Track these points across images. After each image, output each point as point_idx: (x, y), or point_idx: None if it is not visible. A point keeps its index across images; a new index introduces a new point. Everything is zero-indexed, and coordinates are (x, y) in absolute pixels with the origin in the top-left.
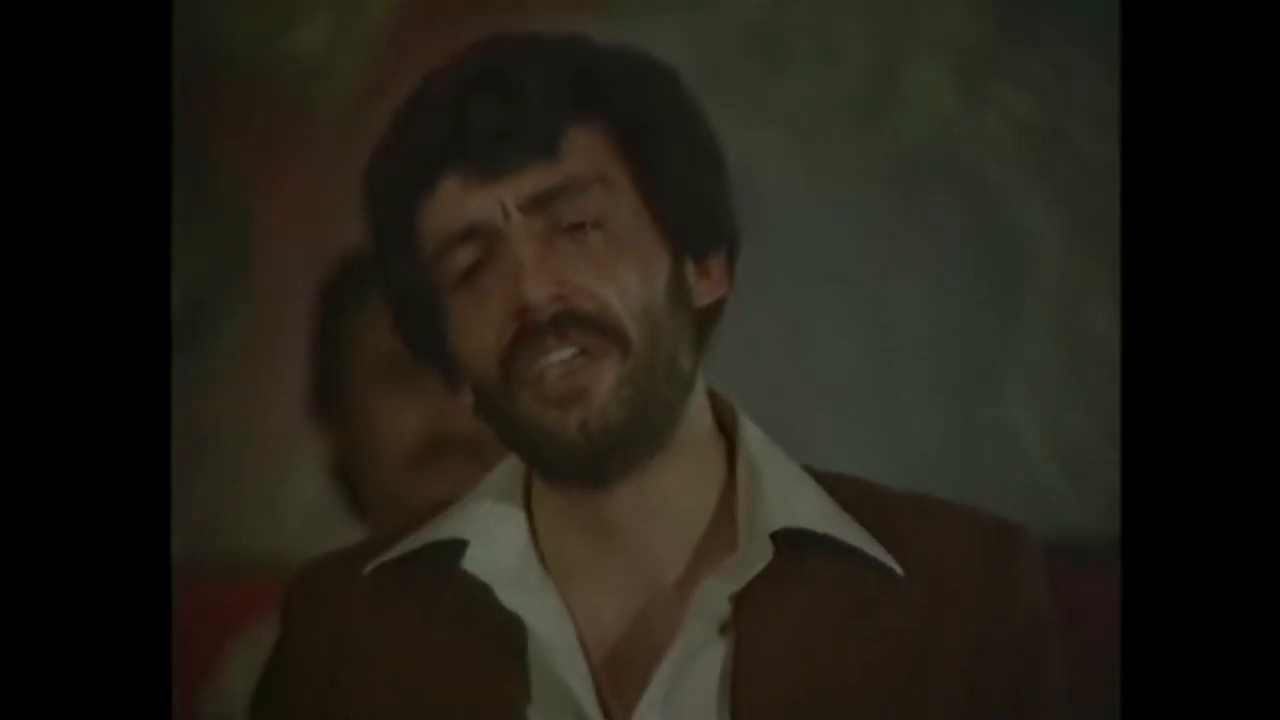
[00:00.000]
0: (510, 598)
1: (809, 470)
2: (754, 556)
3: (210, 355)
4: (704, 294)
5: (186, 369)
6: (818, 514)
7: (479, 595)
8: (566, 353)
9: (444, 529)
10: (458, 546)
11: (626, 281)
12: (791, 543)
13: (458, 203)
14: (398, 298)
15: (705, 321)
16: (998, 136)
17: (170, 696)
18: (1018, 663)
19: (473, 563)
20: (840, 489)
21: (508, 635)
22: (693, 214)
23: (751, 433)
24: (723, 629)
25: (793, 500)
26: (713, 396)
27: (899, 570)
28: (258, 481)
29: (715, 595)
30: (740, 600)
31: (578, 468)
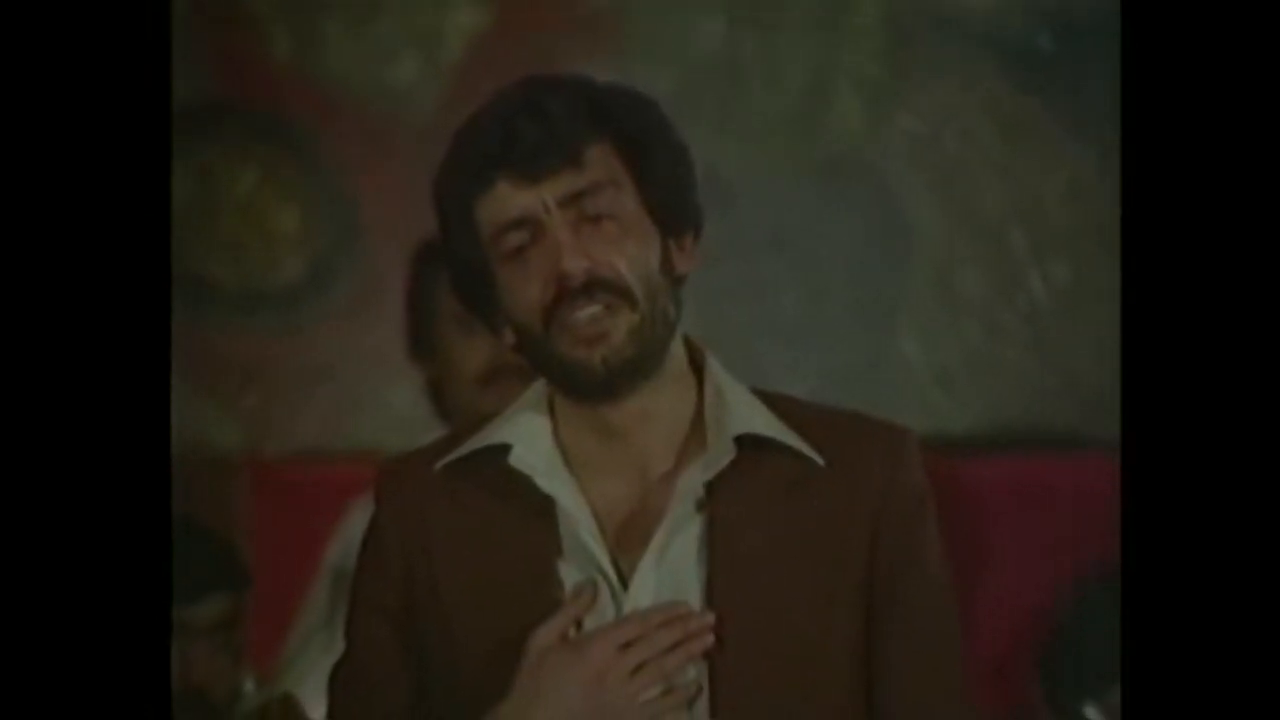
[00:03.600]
0: (544, 483)
1: (756, 391)
2: (722, 454)
3: (330, 303)
4: (681, 264)
5: (315, 312)
6: (766, 423)
7: (521, 482)
8: (594, 309)
9: (494, 435)
10: (505, 448)
11: (634, 257)
12: (748, 444)
13: (508, 199)
14: (456, 266)
15: (679, 283)
16: (893, 145)
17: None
18: (907, 526)
19: (516, 460)
20: (779, 404)
21: (543, 510)
22: (673, 206)
23: (716, 365)
24: (699, 507)
25: (748, 413)
26: (686, 340)
27: (822, 463)
28: (368, 393)
29: (694, 482)
30: (712, 486)
31: (596, 389)
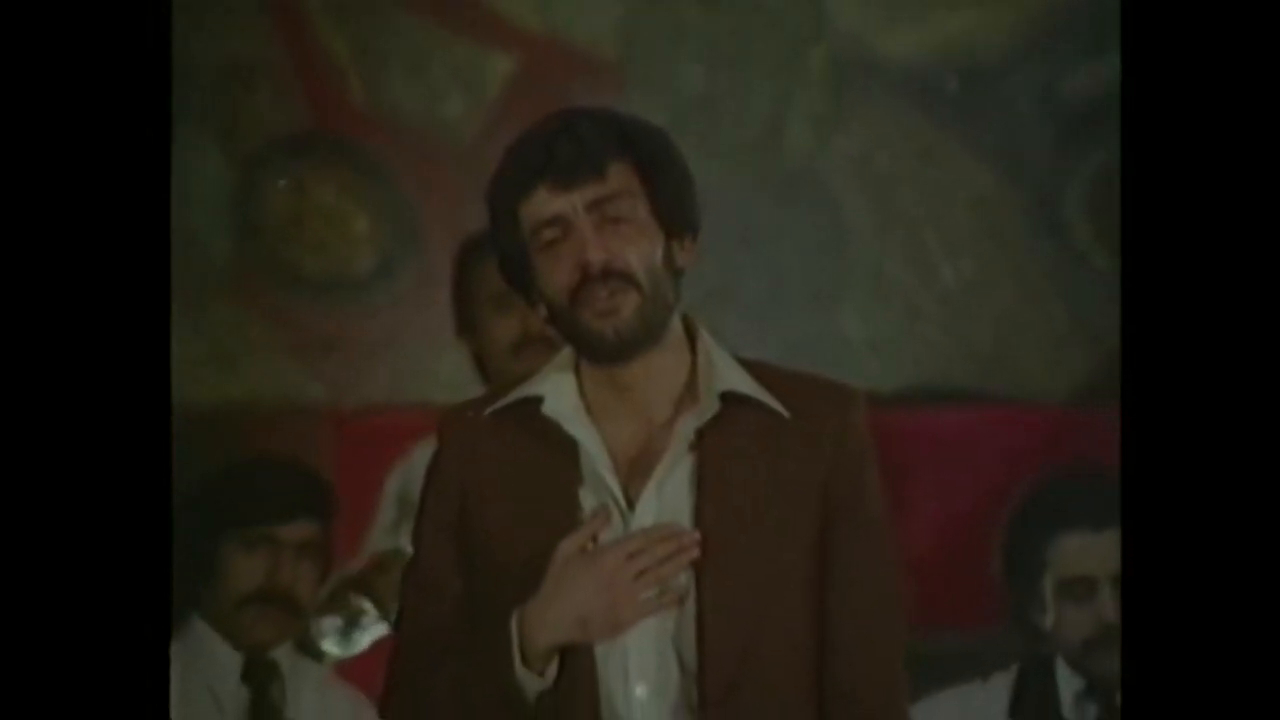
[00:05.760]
0: (570, 428)
1: (736, 358)
2: (709, 406)
3: (394, 289)
4: (681, 259)
5: (382, 295)
6: (744, 383)
7: (551, 426)
8: (607, 292)
9: (531, 389)
10: (538, 399)
11: (643, 252)
12: (730, 400)
13: (546, 203)
14: (502, 255)
15: (679, 274)
16: (835, 163)
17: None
18: (855, 466)
19: (548, 409)
20: (755, 368)
21: (568, 449)
22: (676, 215)
23: (706, 336)
24: (691, 448)
25: (730, 375)
26: (684, 317)
27: (787, 414)
28: (424, 360)
29: (687, 429)
30: (701, 432)
31: (610, 354)
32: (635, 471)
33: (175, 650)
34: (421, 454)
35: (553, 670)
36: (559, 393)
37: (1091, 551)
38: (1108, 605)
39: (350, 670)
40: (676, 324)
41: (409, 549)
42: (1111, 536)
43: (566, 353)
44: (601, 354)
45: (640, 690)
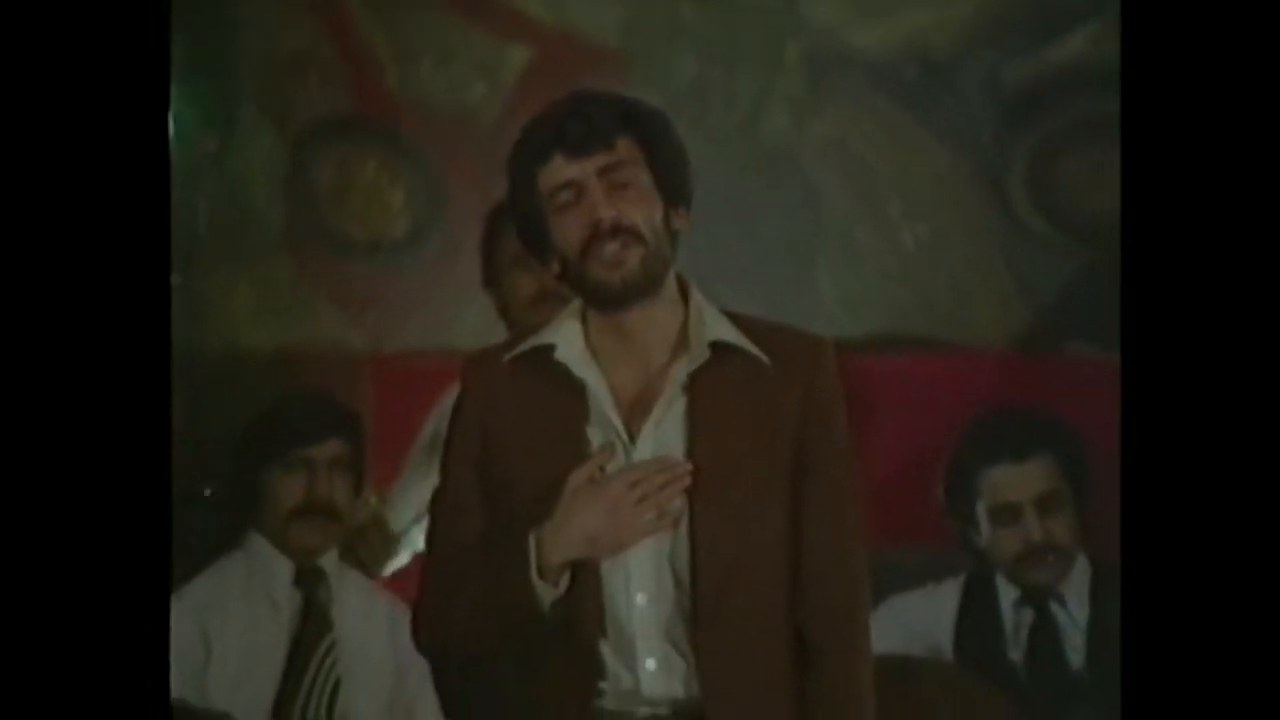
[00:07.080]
0: (578, 371)
1: (724, 311)
2: (700, 354)
3: (426, 251)
4: (676, 223)
5: (416, 256)
6: (730, 333)
7: (562, 370)
8: (616, 245)
9: (544, 338)
10: (550, 347)
11: (646, 213)
12: (718, 348)
13: (561, 170)
14: (520, 217)
15: (675, 236)
16: (810, 145)
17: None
18: (825, 408)
19: (559, 355)
20: (740, 320)
21: (577, 391)
22: (673, 184)
23: (697, 292)
24: (684, 390)
25: (718, 326)
26: (677, 275)
27: (767, 361)
28: (453, 311)
29: (681, 373)
30: (693, 376)
31: (616, 300)
32: (636, 411)
33: (239, 560)
34: (453, 398)
35: (564, 582)
36: (568, 341)
37: (1015, 481)
38: (1033, 526)
39: (393, 584)
40: (672, 281)
41: (390, 521)
42: (1031, 467)
43: (575, 305)
44: (608, 301)
45: (640, 599)
